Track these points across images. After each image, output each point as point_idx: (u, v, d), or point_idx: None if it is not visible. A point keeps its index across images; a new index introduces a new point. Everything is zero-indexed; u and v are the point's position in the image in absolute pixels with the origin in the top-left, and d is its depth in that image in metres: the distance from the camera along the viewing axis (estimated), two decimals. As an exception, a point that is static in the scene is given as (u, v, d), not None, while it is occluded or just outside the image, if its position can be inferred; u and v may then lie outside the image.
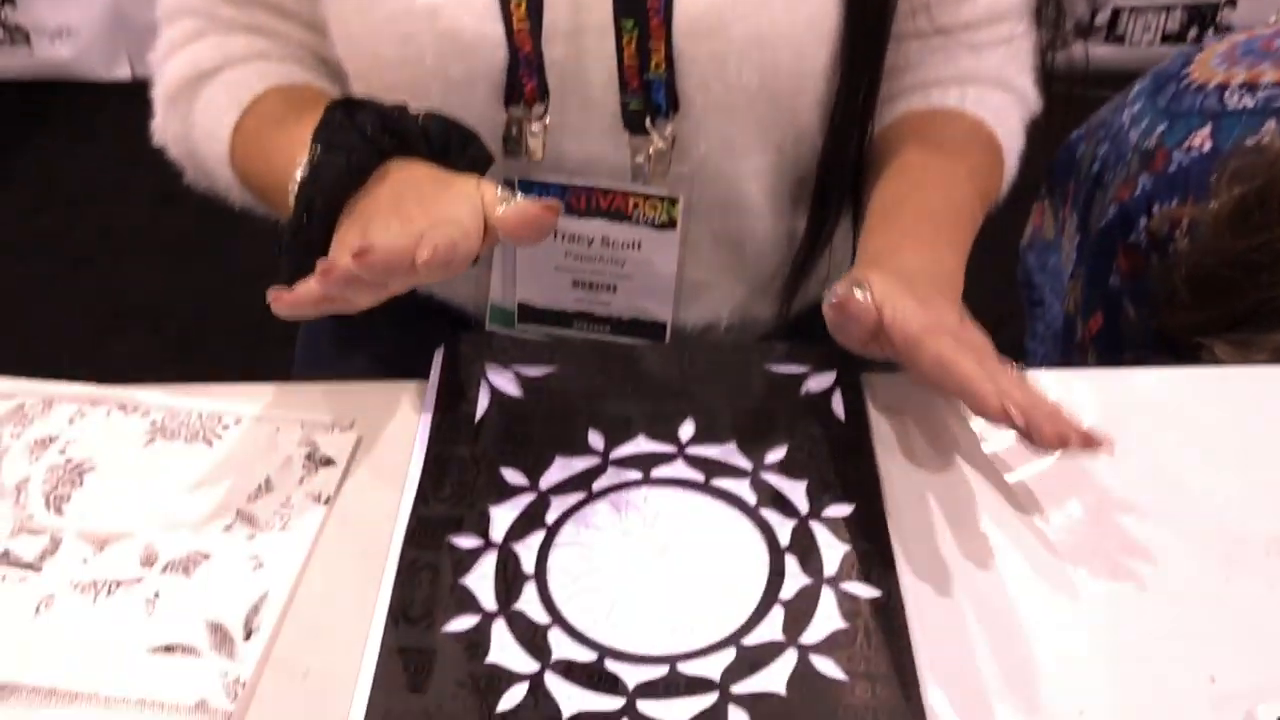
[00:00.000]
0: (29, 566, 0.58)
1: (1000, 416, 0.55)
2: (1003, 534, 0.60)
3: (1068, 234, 1.14)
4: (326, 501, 0.61)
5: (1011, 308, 1.27)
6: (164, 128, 0.76)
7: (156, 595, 0.56)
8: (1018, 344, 1.24)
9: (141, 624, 0.55)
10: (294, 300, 0.56)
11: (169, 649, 0.54)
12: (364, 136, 0.61)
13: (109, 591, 0.56)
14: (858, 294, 0.59)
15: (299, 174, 0.61)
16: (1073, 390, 0.68)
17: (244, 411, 0.65)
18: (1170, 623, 0.56)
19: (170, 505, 0.61)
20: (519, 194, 0.59)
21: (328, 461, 0.63)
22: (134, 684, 0.52)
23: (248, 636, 0.55)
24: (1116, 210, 1.00)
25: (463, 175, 0.61)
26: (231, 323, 1.87)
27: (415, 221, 0.57)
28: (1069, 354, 1.13)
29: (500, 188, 0.59)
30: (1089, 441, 0.55)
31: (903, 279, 0.61)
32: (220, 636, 0.55)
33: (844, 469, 0.62)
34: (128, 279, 1.99)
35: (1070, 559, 0.59)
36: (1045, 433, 0.54)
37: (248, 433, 0.64)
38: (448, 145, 0.63)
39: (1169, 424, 0.66)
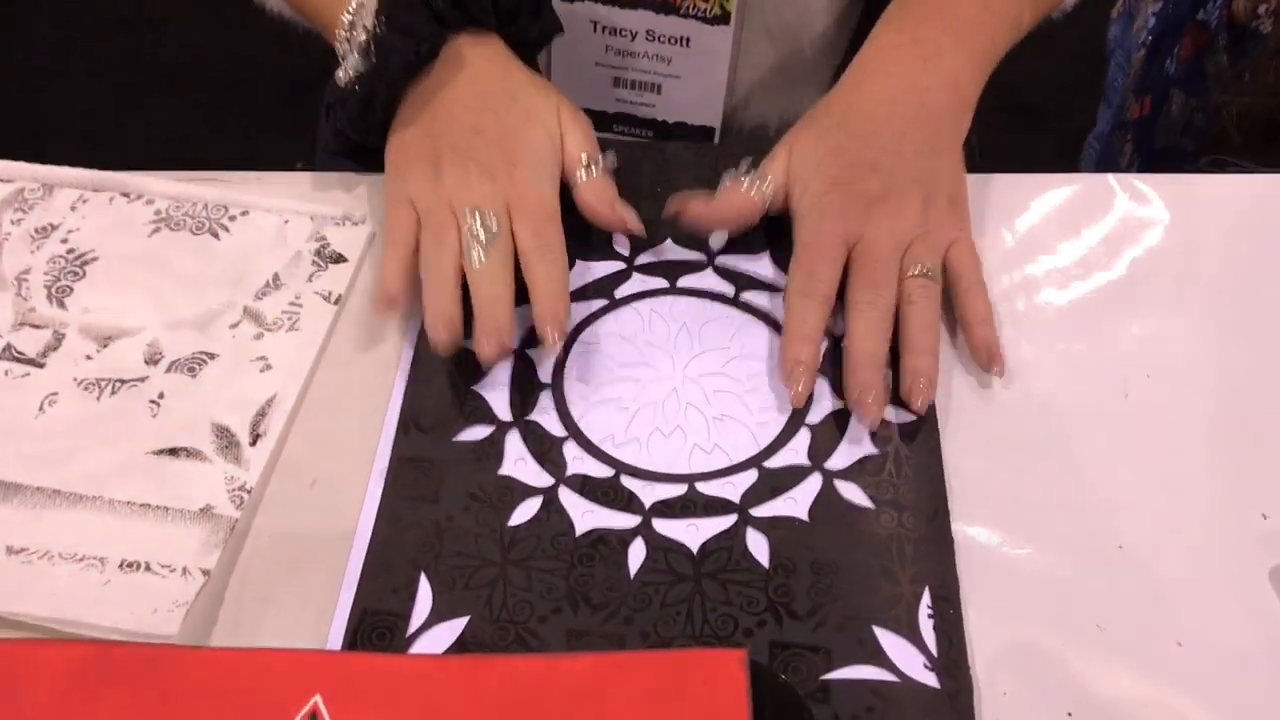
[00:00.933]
0: (31, 362, 0.56)
1: (786, 382, 0.54)
2: (1047, 357, 0.56)
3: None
4: (337, 301, 0.58)
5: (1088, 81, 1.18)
6: None
7: (161, 396, 0.54)
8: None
9: (146, 425, 0.53)
10: (393, 298, 0.56)
11: (174, 452, 0.52)
12: (433, 17, 0.57)
13: (113, 390, 0.55)
14: (754, 185, 0.58)
15: (346, 34, 0.58)
16: (1137, 194, 0.63)
17: (251, 202, 0.62)
18: (1223, 455, 0.53)
19: (174, 300, 0.58)
20: (604, 156, 0.59)
21: (339, 258, 0.60)
22: (138, 488, 0.51)
23: (254, 441, 0.53)
24: None
25: (539, 95, 0.59)
26: (268, 84, 1.82)
27: (496, 178, 0.56)
28: (1112, 136, 1.05)
29: (581, 145, 0.58)
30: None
31: (834, 134, 0.58)
32: (226, 440, 0.53)
33: (884, 282, 0.58)
34: (163, 41, 1.94)
35: (1117, 385, 0.55)
36: (863, 406, 0.53)
37: (255, 225, 0.61)
38: (516, 11, 0.60)
39: (1236, 237, 0.61)
